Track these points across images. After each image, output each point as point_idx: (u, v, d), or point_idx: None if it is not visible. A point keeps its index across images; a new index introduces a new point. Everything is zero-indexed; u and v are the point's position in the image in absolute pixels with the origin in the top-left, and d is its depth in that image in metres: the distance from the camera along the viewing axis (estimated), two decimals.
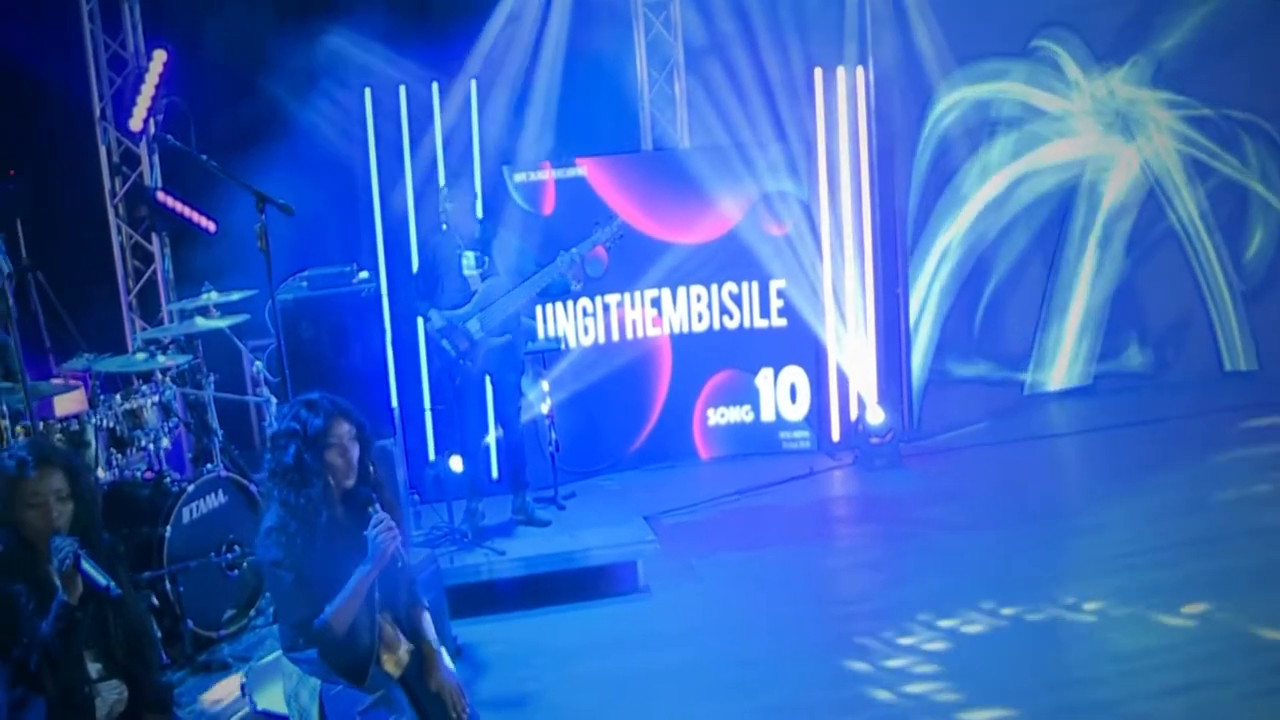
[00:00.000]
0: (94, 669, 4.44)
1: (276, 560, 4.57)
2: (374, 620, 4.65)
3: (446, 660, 4.90)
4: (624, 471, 9.69)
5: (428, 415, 9.09)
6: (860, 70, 9.70)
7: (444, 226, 8.07)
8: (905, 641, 6.76)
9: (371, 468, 4.77)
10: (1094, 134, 11.00)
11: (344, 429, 4.65)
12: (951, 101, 10.51)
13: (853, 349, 9.86)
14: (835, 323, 9.86)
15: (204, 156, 6.70)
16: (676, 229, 9.64)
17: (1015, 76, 10.74)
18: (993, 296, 10.93)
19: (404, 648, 4.78)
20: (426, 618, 4.91)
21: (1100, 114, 10.95)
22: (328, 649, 4.58)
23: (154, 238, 9.38)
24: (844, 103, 9.69)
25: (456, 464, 8.18)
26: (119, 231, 9.37)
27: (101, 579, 4.21)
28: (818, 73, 9.68)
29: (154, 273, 9.43)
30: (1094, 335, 11.19)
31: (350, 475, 4.66)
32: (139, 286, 9.44)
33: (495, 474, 8.98)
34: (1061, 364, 11.21)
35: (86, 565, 4.22)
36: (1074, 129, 10.95)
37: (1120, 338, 11.21)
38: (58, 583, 4.26)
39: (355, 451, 4.67)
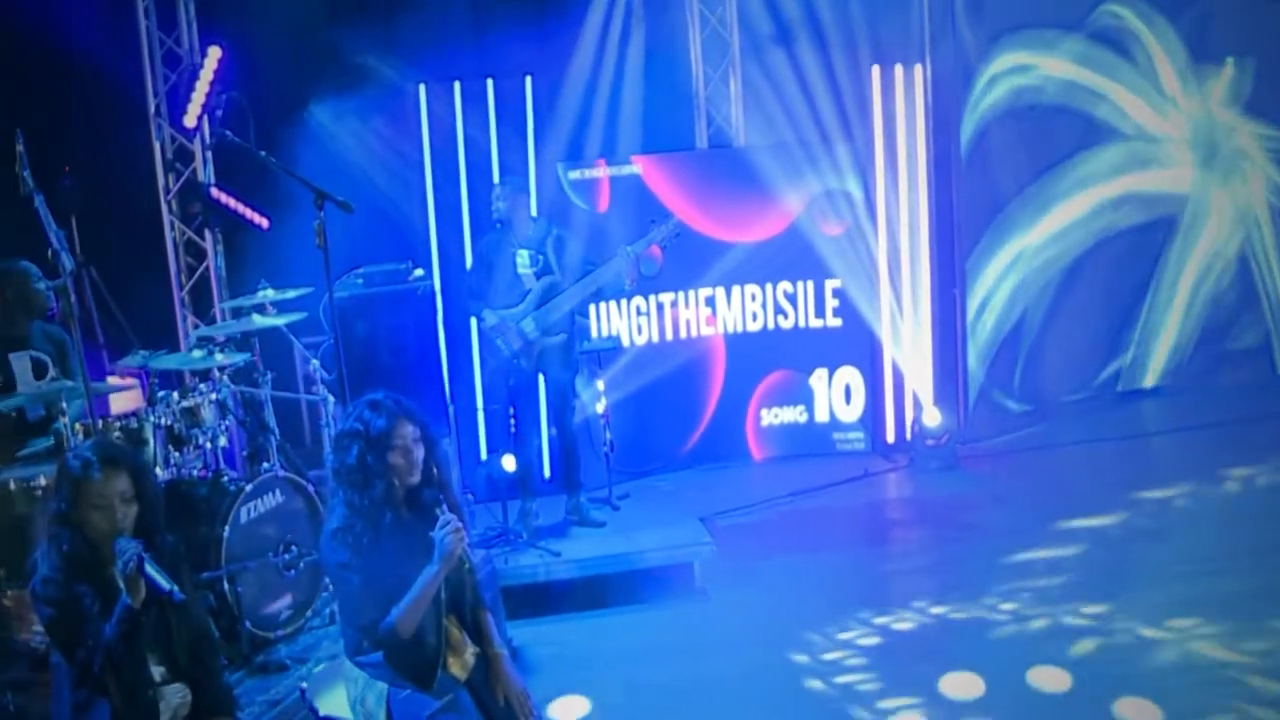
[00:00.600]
0: (157, 672, 4.40)
1: (343, 562, 4.52)
2: (440, 623, 4.59)
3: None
4: (676, 472, 9.62)
5: (480, 414, 9.04)
6: (919, 68, 9.57)
7: (497, 224, 8.02)
8: None
9: (435, 469, 4.70)
10: (1188, 166, 10.81)
11: (407, 430, 4.59)
12: (1000, 69, 10.25)
13: (909, 349, 9.74)
14: (891, 322, 9.74)
15: (263, 153, 6.66)
16: (732, 227, 9.56)
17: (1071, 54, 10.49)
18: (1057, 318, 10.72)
19: (470, 650, 4.72)
20: (491, 620, 4.84)
21: (1195, 145, 10.76)
22: (393, 652, 4.52)
23: (207, 234, 9.33)
24: (902, 100, 9.58)
25: (509, 463, 8.11)
26: (172, 228, 9.33)
27: (165, 583, 4.15)
28: (875, 70, 9.57)
29: (206, 269, 9.39)
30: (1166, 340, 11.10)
31: (414, 476, 4.60)
32: (191, 283, 9.41)
33: (547, 473, 8.93)
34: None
35: (150, 569, 4.16)
36: (1171, 156, 10.76)
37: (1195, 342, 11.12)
38: (121, 585, 4.21)
39: (419, 453, 4.61)
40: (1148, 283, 10.95)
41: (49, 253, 5.56)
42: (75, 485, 4.27)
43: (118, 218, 9.08)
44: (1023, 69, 10.27)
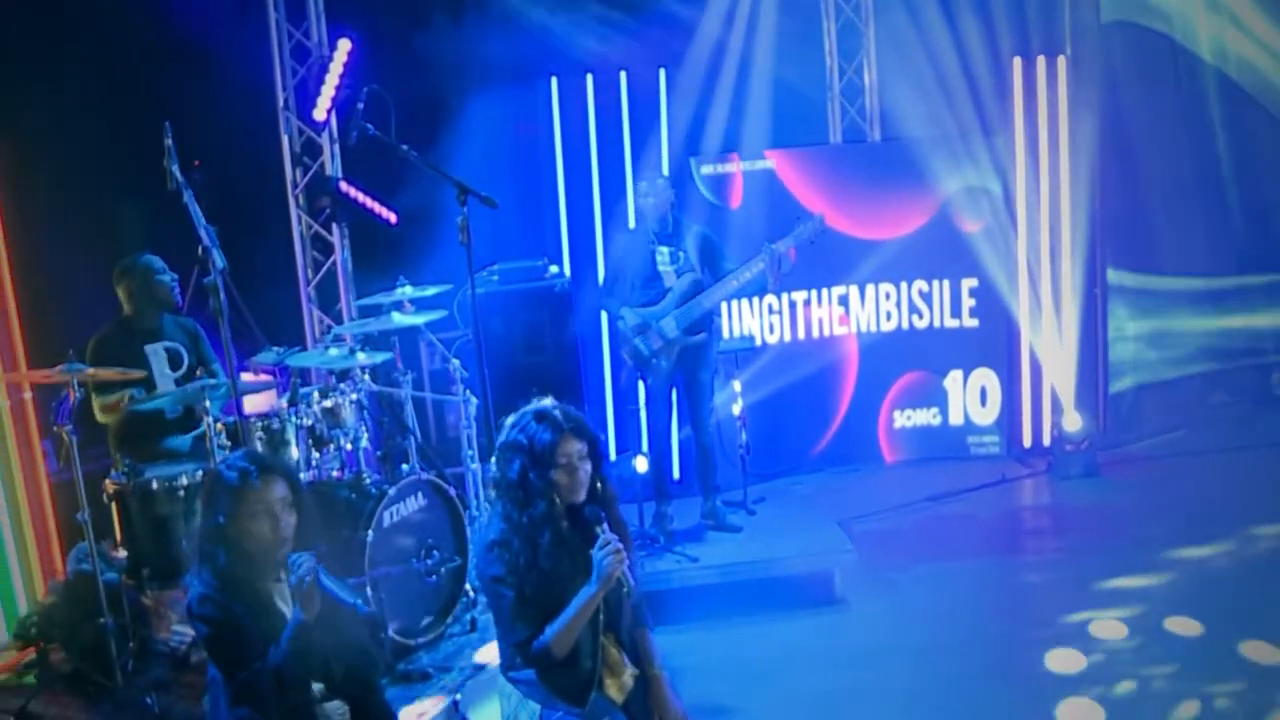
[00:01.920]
0: (315, 688, 4.23)
1: (498, 577, 4.33)
2: (597, 644, 4.40)
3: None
4: (807, 474, 9.39)
5: (609, 414, 8.87)
6: (1062, 59, 9.23)
7: (630, 224, 7.82)
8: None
9: (600, 485, 4.49)
10: None
11: (574, 447, 4.37)
12: None
13: (1049, 351, 9.41)
14: (1030, 324, 9.42)
15: (405, 146, 6.51)
16: (866, 225, 9.31)
17: None
18: None
19: (629, 673, 4.52)
20: (653, 642, 4.62)
21: None
22: (547, 671, 4.34)
23: (334, 228, 9.23)
24: (1044, 93, 9.25)
25: (641, 465, 7.93)
26: (299, 222, 9.25)
27: (348, 595, 3.99)
28: (1017, 62, 9.25)
29: (333, 264, 9.30)
30: None
31: (579, 494, 4.40)
32: (318, 278, 9.32)
33: (675, 475, 8.72)
34: None
35: (328, 581, 3.99)
36: None
37: None
38: (283, 602, 4.08)
39: (585, 470, 4.39)
40: None
41: (199, 249, 5.43)
42: (236, 496, 4.09)
43: (245, 212, 9.01)
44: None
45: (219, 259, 5.36)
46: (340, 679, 4.24)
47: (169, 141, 5.62)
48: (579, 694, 4.35)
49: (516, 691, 4.42)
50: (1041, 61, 9.22)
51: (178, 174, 5.56)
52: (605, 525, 4.33)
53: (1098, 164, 9.39)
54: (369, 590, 6.00)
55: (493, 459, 4.55)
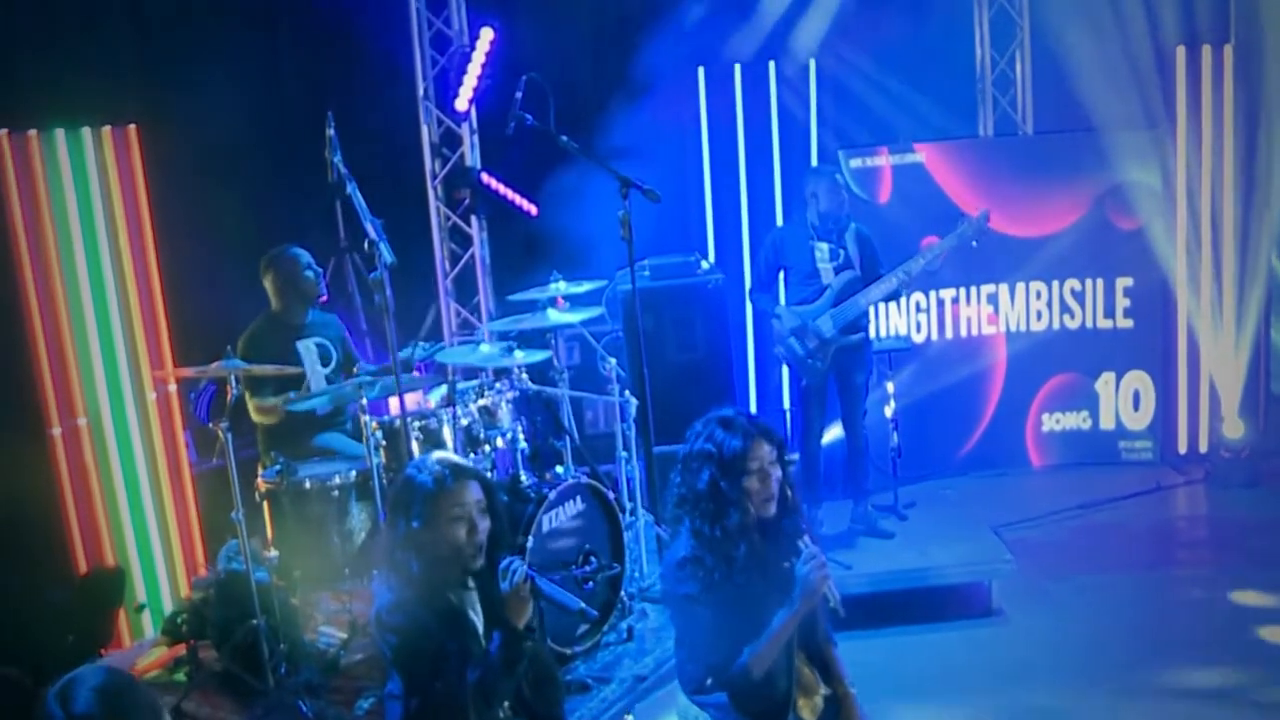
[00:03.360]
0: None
1: (691, 595, 4.13)
2: (792, 663, 4.20)
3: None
4: (953, 477, 9.06)
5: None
6: (1228, 48, 8.83)
7: (778, 220, 7.58)
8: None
9: (789, 492, 4.26)
10: None
11: (765, 451, 4.17)
12: None
13: (1208, 354, 9.03)
14: (1189, 325, 9.04)
15: (564, 138, 6.34)
16: (1017, 221, 8.96)
17: None
18: None
19: (821, 693, 4.32)
20: (841, 659, 4.41)
21: None
22: (741, 694, 4.13)
23: (473, 220, 9.09)
24: (1208, 84, 8.86)
25: None
26: (438, 214, 9.12)
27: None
28: (1180, 51, 8.86)
29: (471, 257, 9.15)
30: None
31: (770, 504, 4.18)
32: (456, 271, 9.19)
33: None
34: None
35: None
36: None
37: None
38: (473, 612, 3.89)
39: (778, 475, 4.19)
40: None
41: (365, 243, 5.27)
42: (431, 499, 3.89)
43: (382, 203, 8.88)
44: None
45: (387, 253, 5.19)
46: (529, 696, 4.04)
47: (331, 131, 5.51)
48: (775, 717, 4.16)
49: (704, 715, 4.23)
50: (1207, 51, 8.83)
51: (340, 165, 5.42)
52: (808, 538, 4.13)
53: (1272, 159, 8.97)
54: None
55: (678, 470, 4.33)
